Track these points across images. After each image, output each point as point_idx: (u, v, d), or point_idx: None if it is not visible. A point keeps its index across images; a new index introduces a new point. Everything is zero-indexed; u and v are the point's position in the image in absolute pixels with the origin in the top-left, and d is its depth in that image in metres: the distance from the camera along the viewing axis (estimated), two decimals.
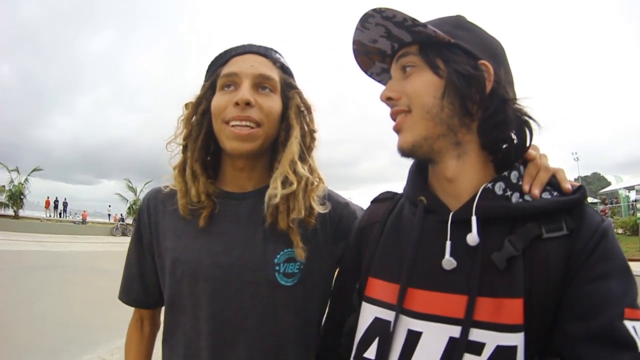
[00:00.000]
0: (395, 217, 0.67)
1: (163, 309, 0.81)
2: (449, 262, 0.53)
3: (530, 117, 0.57)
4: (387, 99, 0.61)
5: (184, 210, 0.74)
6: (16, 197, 21.91)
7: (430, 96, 0.56)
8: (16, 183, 22.39)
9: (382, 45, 0.63)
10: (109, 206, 35.07)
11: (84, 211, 30.42)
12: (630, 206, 21.20)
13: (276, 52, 0.80)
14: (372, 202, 0.76)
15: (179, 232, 0.76)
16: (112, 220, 31.28)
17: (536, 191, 0.55)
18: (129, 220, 26.92)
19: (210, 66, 0.80)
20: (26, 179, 23.00)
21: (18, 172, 22.86)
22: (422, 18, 0.59)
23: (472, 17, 0.62)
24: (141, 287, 0.83)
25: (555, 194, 0.55)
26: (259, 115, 0.72)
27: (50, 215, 27.76)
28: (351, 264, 0.72)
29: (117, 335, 3.89)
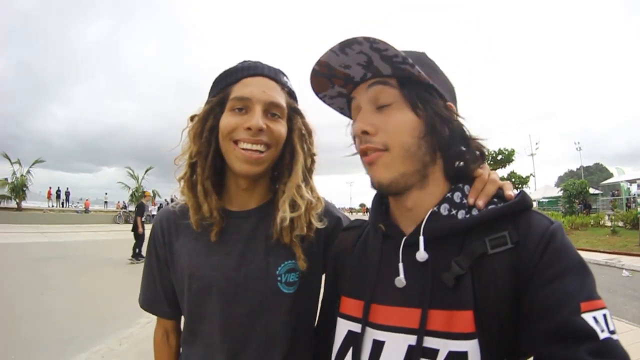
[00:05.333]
0: (362, 243, 0.73)
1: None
2: (399, 281, 0.59)
3: (484, 148, 0.63)
4: (363, 133, 0.60)
5: (196, 225, 0.81)
6: (18, 190, 21.95)
7: (410, 136, 0.59)
8: (18, 175, 22.41)
9: (354, 72, 0.62)
10: (106, 194, 35.36)
11: (87, 200, 30.26)
12: (632, 199, 21.20)
13: (284, 74, 0.84)
14: (343, 230, 0.83)
15: (191, 251, 0.82)
16: (109, 208, 31.24)
17: (480, 202, 0.59)
18: (132, 208, 27.04)
19: (218, 81, 0.83)
20: (28, 171, 23.00)
21: (20, 164, 22.86)
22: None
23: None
24: (166, 301, 0.89)
25: (501, 204, 0.57)
26: (269, 139, 0.78)
27: (52, 206, 27.89)
28: (331, 287, 0.79)
29: (125, 324, 3.96)
